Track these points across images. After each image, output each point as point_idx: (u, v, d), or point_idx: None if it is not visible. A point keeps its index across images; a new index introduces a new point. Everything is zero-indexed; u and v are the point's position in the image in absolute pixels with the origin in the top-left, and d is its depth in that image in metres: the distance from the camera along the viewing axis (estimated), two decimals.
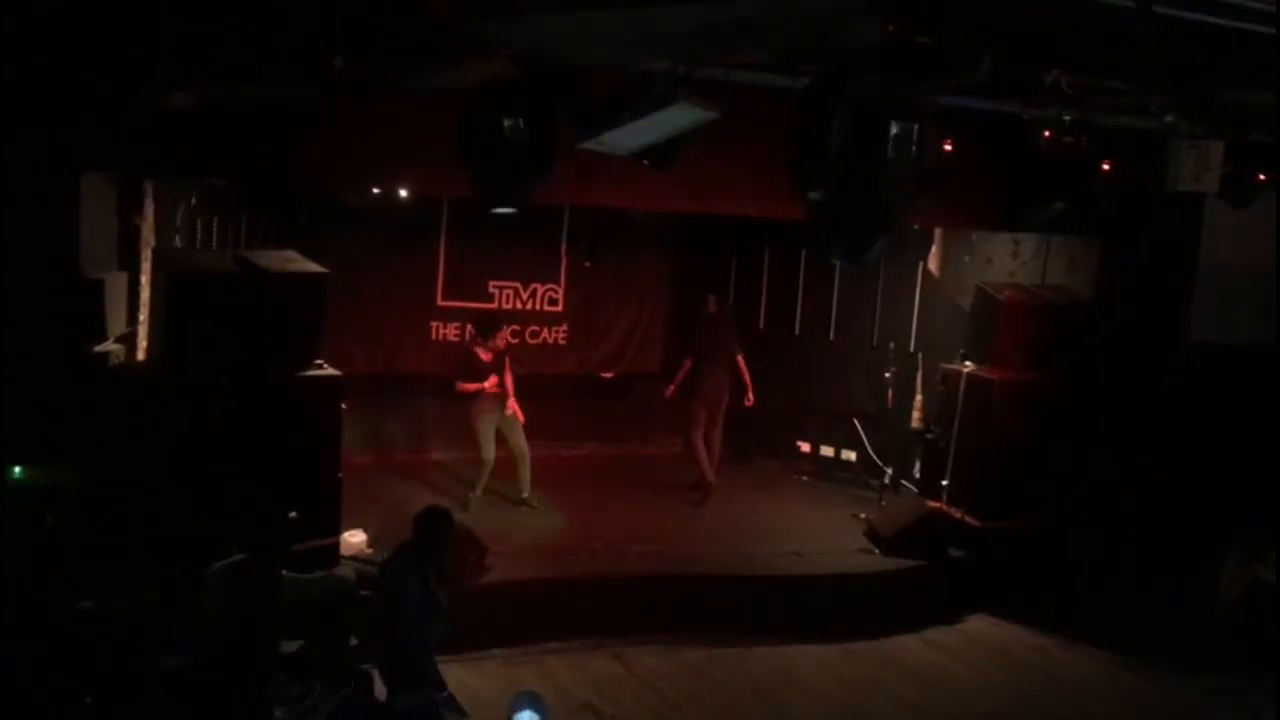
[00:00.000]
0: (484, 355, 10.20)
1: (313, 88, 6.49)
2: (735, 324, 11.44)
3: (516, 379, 10.43)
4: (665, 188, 8.04)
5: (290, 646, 6.25)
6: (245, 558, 5.77)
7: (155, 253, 8.19)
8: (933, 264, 12.01)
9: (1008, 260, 11.43)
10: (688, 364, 11.24)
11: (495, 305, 12.05)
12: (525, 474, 10.44)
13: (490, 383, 10.07)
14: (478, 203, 6.77)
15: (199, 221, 9.41)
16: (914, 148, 4.38)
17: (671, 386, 11.35)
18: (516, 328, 11.99)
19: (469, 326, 11.80)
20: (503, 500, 10.38)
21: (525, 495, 10.43)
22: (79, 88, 6.35)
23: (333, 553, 7.65)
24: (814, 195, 4.51)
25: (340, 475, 7.75)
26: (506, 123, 6.03)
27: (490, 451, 10.22)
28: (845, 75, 4.55)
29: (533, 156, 6.26)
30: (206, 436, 7.03)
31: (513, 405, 10.27)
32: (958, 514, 10.29)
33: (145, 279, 8.13)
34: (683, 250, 13.01)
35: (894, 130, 4.27)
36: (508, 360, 10.37)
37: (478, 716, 6.67)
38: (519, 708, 5.33)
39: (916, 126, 4.30)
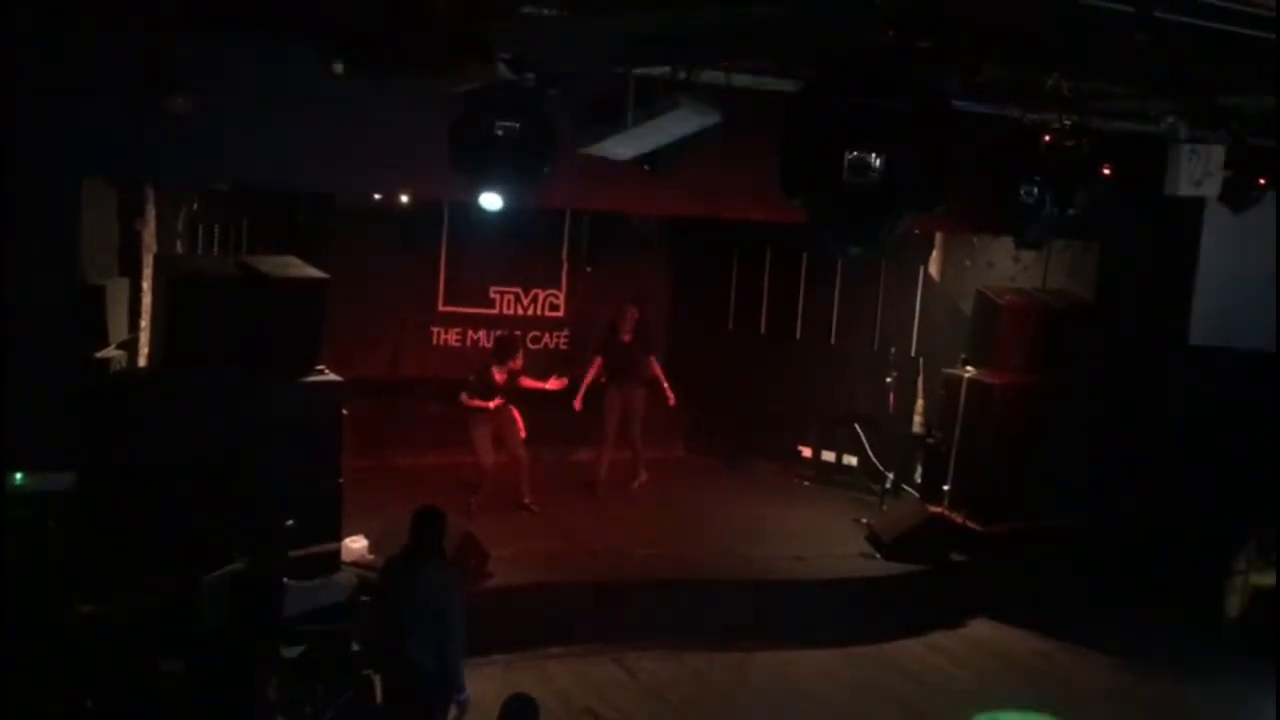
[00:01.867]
0: (498, 375, 10.25)
1: (313, 92, 6.49)
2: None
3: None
4: (665, 191, 8.04)
5: (291, 652, 6.25)
6: (245, 565, 5.77)
7: (156, 258, 8.20)
8: (934, 268, 12.01)
9: (1009, 264, 11.42)
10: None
11: (496, 311, 12.07)
12: (525, 479, 10.45)
13: (495, 403, 10.13)
14: (474, 204, 6.78)
15: (200, 227, 9.43)
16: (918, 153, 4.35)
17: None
18: (518, 333, 11.99)
19: (470, 332, 11.84)
20: (503, 506, 10.37)
21: (526, 500, 10.44)
22: (80, 91, 6.35)
23: (333, 558, 7.65)
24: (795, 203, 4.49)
25: (341, 480, 7.75)
26: (504, 126, 6.03)
27: (488, 457, 10.23)
28: (835, 77, 4.53)
29: (530, 159, 6.26)
30: (207, 442, 7.03)
31: (514, 412, 10.30)
32: (959, 518, 10.28)
33: (146, 284, 8.14)
34: (683, 254, 13.01)
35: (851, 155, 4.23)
36: (521, 376, 10.43)
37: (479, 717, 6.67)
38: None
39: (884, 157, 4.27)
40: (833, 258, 12.11)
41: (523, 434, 10.38)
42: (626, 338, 11.09)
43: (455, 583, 6.11)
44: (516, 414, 10.34)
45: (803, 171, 4.46)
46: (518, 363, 10.38)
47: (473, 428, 10.22)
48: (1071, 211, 7.64)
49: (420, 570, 6.06)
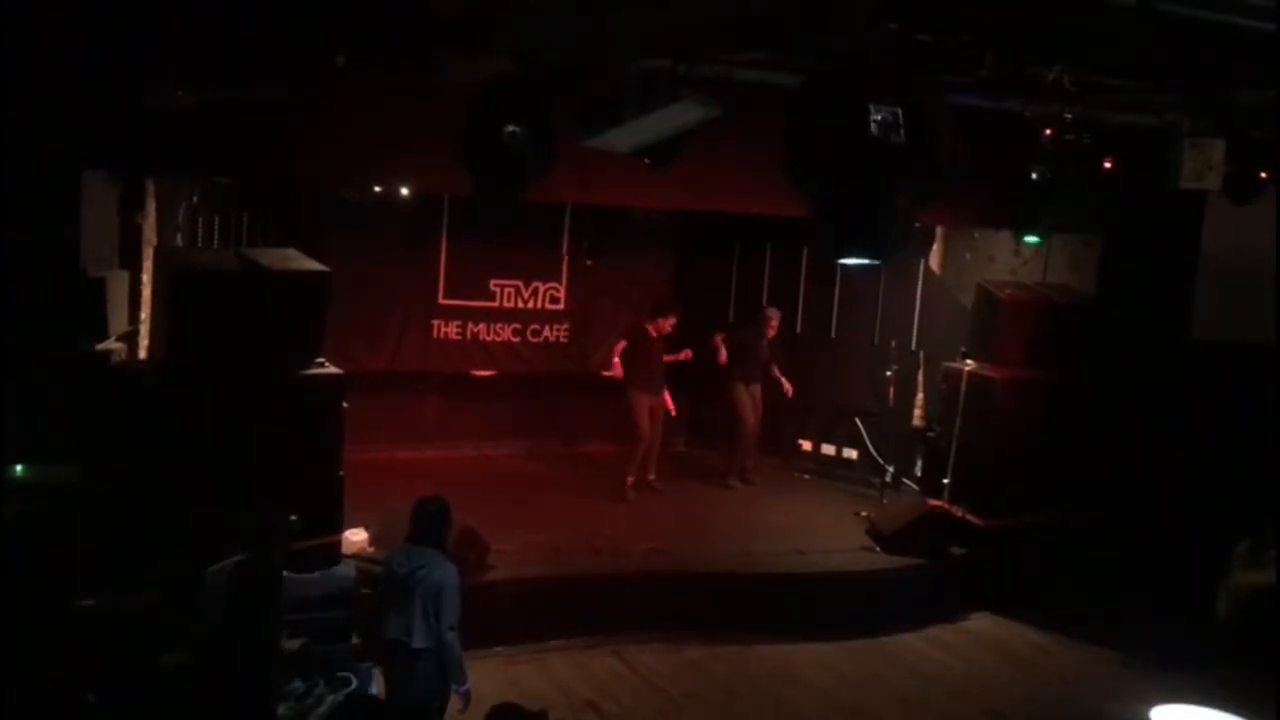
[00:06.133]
0: (652, 331, 10.72)
1: (314, 86, 6.49)
2: None
3: (515, 376, 10.52)
4: (667, 186, 8.03)
5: (292, 645, 6.26)
6: (246, 557, 5.77)
7: (157, 251, 8.20)
8: (934, 262, 12.01)
9: (1010, 258, 11.42)
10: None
11: (497, 303, 12.05)
12: (654, 458, 11.07)
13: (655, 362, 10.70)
14: (476, 201, 6.78)
15: (200, 220, 9.42)
16: (916, 142, 4.34)
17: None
18: (518, 326, 11.99)
19: (470, 325, 11.84)
20: (505, 498, 10.39)
21: (650, 477, 11.06)
22: (80, 86, 6.34)
23: (334, 551, 7.66)
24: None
25: (342, 474, 7.75)
26: (507, 124, 6.02)
27: (646, 429, 10.69)
28: (840, 72, 4.53)
29: (533, 155, 6.25)
30: (208, 435, 7.03)
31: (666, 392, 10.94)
32: (959, 512, 10.28)
33: (147, 277, 8.14)
34: (684, 248, 13.00)
35: (878, 116, 4.22)
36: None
37: (479, 714, 6.67)
38: None
39: (900, 112, 4.25)
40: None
41: (673, 412, 11.07)
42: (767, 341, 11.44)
43: (453, 575, 6.11)
44: (668, 394, 10.89)
45: (808, 168, 4.47)
46: (669, 323, 10.69)
47: (633, 398, 10.68)
48: None
49: (419, 563, 6.06)
